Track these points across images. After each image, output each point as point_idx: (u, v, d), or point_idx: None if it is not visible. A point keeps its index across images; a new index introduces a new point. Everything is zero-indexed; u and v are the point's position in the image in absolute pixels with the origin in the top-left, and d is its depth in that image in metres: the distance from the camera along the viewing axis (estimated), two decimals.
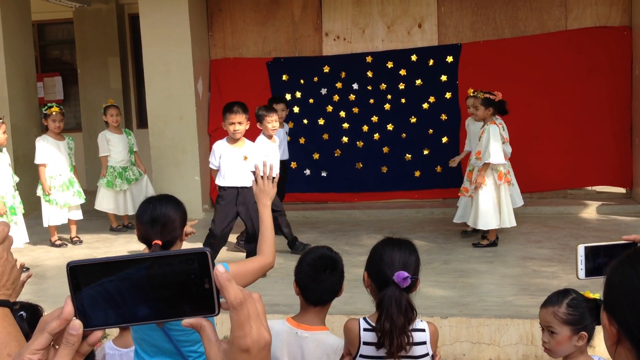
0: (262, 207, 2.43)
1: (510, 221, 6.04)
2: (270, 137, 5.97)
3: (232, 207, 5.43)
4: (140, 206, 2.42)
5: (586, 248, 1.63)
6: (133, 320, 0.84)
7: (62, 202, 6.79)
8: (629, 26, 7.69)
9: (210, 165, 5.58)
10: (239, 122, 5.26)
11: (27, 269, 5.98)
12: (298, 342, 2.50)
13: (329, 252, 2.59)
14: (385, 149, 8.40)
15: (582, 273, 1.63)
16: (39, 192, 6.81)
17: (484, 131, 5.92)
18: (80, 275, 0.81)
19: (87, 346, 0.82)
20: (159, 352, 2.41)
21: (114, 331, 3.43)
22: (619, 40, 7.70)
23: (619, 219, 7.12)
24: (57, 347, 0.80)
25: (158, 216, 2.32)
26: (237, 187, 5.41)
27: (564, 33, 7.91)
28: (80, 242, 7.03)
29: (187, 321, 0.84)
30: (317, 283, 2.49)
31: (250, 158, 5.38)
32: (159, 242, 2.27)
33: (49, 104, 7.01)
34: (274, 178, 2.50)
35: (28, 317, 2.28)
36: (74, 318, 0.80)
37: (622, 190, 8.02)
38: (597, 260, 1.63)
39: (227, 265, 2.38)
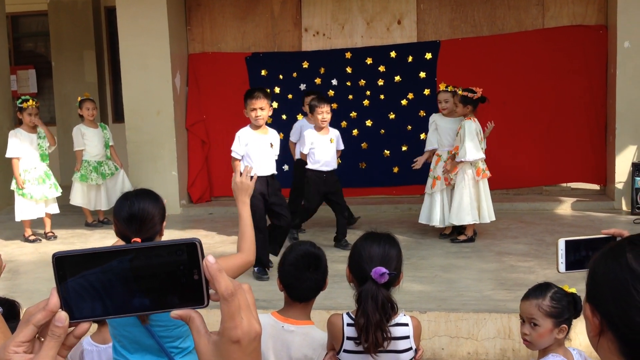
0: (240, 204, 2.41)
1: (490, 216, 6.09)
2: (320, 128, 5.93)
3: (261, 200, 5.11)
4: (117, 202, 2.36)
5: (567, 242, 1.65)
6: (120, 312, 0.83)
7: (38, 195, 6.69)
8: (604, 25, 7.80)
9: (233, 154, 5.22)
10: (260, 108, 5.07)
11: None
12: (284, 336, 2.50)
13: (312, 248, 2.57)
14: (364, 145, 8.42)
15: (562, 267, 1.65)
16: (13, 186, 6.70)
17: (461, 127, 5.95)
18: (66, 266, 0.80)
19: (73, 338, 0.81)
20: (140, 349, 2.37)
21: (92, 328, 3.37)
22: (595, 39, 7.81)
23: (593, 214, 7.24)
24: (42, 339, 0.79)
25: (136, 213, 2.27)
26: (266, 177, 5.19)
27: (541, 31, 8.00)
28: (55, 237, 6.93)
29: (175, 313, 0.83)
30: (301, 281, 2.48)
31: (275, 145, 5.31)
32: (138, 240, 2.23)
33: (24, 97, 6.89)
34: (252, 176, 2.48)
35: (5, 312, 2.24)
36: (60, 310, 0.78)
37: (596, 187, 8.15)
38: (577, 254, 1.64)
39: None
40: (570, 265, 1.64)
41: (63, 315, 0.78)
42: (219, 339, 0.81)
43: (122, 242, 2.37)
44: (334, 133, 6.20)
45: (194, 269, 0.82)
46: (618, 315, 1.05)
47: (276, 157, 5.38)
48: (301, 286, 2.49)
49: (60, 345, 0.78)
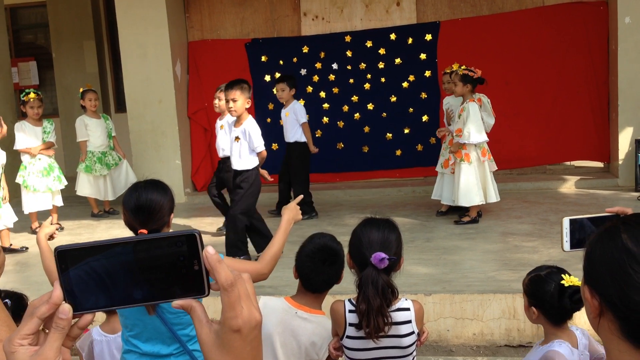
0: (285, 223, 2.41)
1: (496, 196, 6.12)
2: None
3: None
4: (126, 192, 2.38)
5: (571, 220, 1.66)
6: (123, 303, 0.85)
7: (42, 187, 6.72)
8: (604, 1, 7.74)
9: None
10: (232, 99, 5.02)
11: (26, 248, 6.17)
12: (296, 322, 2.51)
13: (331, 242, 2.55)
14: (366, 129, 8.41)
15: (567, 245, 1.66)
16: (19, 179, 6.74)
17: (464, 109, 5.94)
18: (69, 259, 0.81)
19: (77, 330, 0.83)
20: (152, 337, 2.39)
21: (100, 317, 3.42)
22: (596, 15, 7.75)
23: (597, 192, 7.23)
24: (47, 331, 0.80)
25: (143, 204, 2.28)
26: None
27: (541, 9, 7.94)
28: (62, 228, 6.97)
29: (177, 302, 0.84)
30: (316, 274, 2.49)
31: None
32: (145, 231, 2.24)
33: (26, 90, 6.90)
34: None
35: (13, 306, 2.26)
36: (63, 302, 0.80)
37: (599, 164, 8.14)
38: (582, 233, 1.65)
39: (224, 256, 2.38)
40: (575, 244, 1.65)
41: (67, 308, 0.80)
42: (220, 328, 0.82)
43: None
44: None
45: (194, 260, 0.84)
46: (617, 296, 1.06)
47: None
48: (316, 278, 2.50)
49: (64, 336, 0.80)
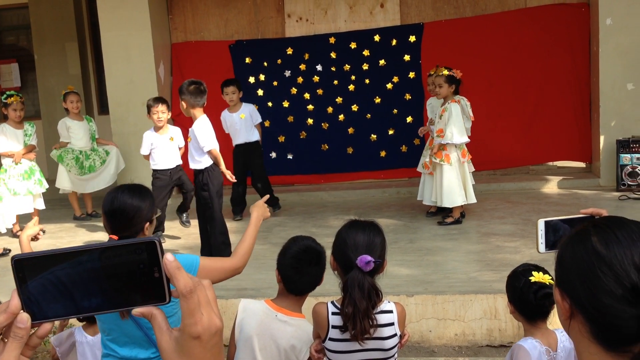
0: (257, 220, 2.51)
1: (474, 197, 6.17)
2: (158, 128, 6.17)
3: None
4: (105, 195, 2.37)
5: (546, 222, 1.67)
6: (84, 311, 0.84)
7: (22, 191, 6.66)
8: (586, 3, 7.81)
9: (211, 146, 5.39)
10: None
11: (9, 250, 6.16)
12: (276, 325, 2.51)
13: (314, 244, 2.58)
14: (351, 130, 8.43)
15: (542, 247, 1.67)
16: None
17: (445, 109, 5.97)
18: (26, 268, 0.81)
19: (37, 339, 0.82)
20: (129, 341, 2.38)
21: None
22: (577, 17, 7.81)
23: (579, 192, 7.30)
24: (5, 340, 0.80)
25: (117, 208, 2.27)
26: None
27: (523, 11, 8.00)
28: (43, 232, 6.90)
29: (137, 310, 0.84)
30: (300, 275, 2.50)
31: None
32: (115, 237, 2.21)
33: (8, 93, 6.84)
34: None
35: None
36: (22, 311, 0.80)
37: (581, 164, 8.20)
38: (556, 234, 1.66)
39: (199, 258, 2.38)
40: (550, 245, 1.66)
41: (25, 317, 0.79)
42: (180, 335, 0.82)
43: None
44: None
45: (154, 267, 0.84)
46: (586, 298, 1.07)
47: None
48: (300, 280, 2.51)
49: (22, 346, 0.80)
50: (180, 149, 6.21)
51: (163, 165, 6.07)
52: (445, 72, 5.97)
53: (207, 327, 0.82)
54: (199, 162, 5.28)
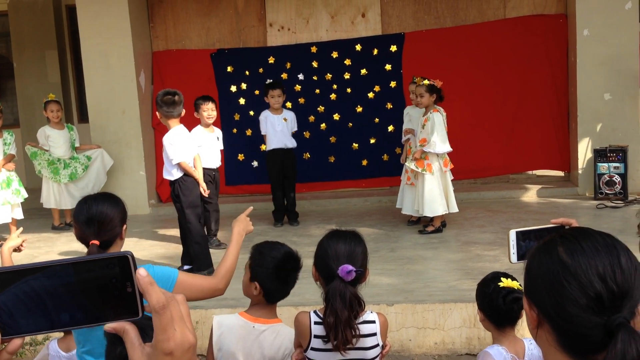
0: (238, 236, 2.43)
1: (456, 206, 6.21)
2: (207, 125, 6.20)
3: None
4: (76, 205, 2.37)
5: (517, 233, 1.68)
6: (58, 326, 0.84)
7: (0, 200, 6.58)
8: (564, 14, 7.93)
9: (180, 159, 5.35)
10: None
11: None
12: (255, 336, 2.49)
13: (288, 248, 2.53)
14: (332, 139, 8.45)
15: (514, 257, 1.68)
16: None
17: (428, 119, 6.01)
18: None
19: (7, 354, 0.81)
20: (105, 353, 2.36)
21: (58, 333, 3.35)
22: (555, 28, 7.93)
23: (557, 201, 7.38)
24: None
25: (94, 215, 2.27)
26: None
27: (503, 22, 8.10)
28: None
29: (109, 326, 0.84)
30: (285, 284, 2.46)
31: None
32: (96, 242, 2.23)
33: None
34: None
35: None
36: None
37: (560, 173, 8.30)
38: (528, 244, 1.67)
39: (178, 272, 2.37)
40: (521, 256, 1.67)
41: None
42: (152, 351, 0.82)
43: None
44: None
45: (126, 282, 0.84)
46: (552, 307, 1.09)
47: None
48: (284, 289, 2.48)
49: None
50: (220, 150, 6.31)
51: (208, 164, 5.99)
52: (426, 81, 6.01)
53: (180, 343, 0.82)
54: (170, 174, 5.27)
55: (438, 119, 5.95)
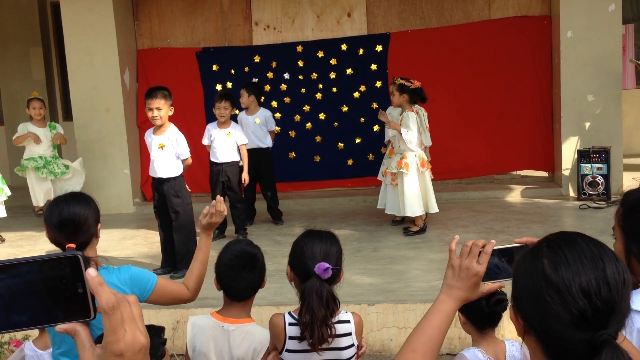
0: (207, 237, 2.45)
1: (435, 207, 6.21)
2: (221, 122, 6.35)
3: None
4: (47, 208, 2.33)
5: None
6: (7, 327, 0.83)
7: None
8: (548, 15, 7.97)
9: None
10: (157, 108, 5.04)
11: None
12: (225, 336, 2.50)
13: (248, 247, 2.56)
14: (318, 138, 8.45)
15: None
16: None
17: (403, 117, 6.03)
18: None
19: None
20: None
21: (34, 331, 3.33)
22: (539, 29, 7.97)
23: (541, 202, 7.42)
24: None
25: (67, 218, 2.24)
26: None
27: (487, 23, 8.13)
28: (3, 240, 6.77)
29: (60, 327, 0.83)
30: (238, 282, 2.48)
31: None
32: (73, 245, 2.20)
33: None
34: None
35: None
36: None
37: (544, 174, 8.35)
38: (491, 262, 1.50)
39: (157, 277, 2.37)
40: (485, 277, 1.50)
41: None
42: (103, 353, 0.81)
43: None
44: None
45: (77, 282, 0.83)
46: (536, 321, 1.08)
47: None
48: (238, 286, 2.49)
49: None
50: (241, 146, 6.38)
51: (216, 158, 6.30)
52: (398, 81, 6.05)
53: (131, 345, 0.81)
54: (174, 170, 5.28)
55: (412, 117, 5.94)
